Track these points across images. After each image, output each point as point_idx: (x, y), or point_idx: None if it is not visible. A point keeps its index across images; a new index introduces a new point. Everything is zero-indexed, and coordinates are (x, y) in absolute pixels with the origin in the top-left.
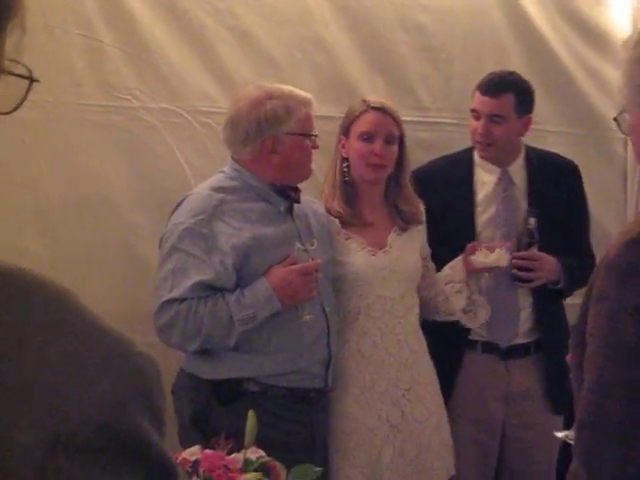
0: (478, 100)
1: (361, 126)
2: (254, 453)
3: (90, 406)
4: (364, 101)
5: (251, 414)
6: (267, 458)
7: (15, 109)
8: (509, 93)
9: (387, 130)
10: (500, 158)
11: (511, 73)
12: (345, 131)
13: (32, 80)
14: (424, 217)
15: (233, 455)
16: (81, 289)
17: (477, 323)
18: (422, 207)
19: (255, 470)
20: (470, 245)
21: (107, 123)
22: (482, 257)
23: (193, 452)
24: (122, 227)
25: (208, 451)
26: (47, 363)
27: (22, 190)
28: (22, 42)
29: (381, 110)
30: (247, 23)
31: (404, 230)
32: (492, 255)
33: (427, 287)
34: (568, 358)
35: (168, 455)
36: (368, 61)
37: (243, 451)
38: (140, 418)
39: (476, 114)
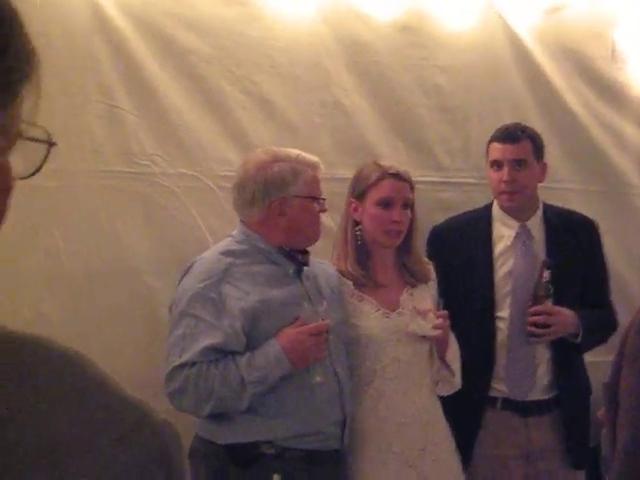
0: (498, 150)
1: (379, 193)
2: None
3: (109, 474)
4: (379, 166)
5: (276, 478)
6: None
7: (33, 174)
8: (526, 139)
9: (404, 196)
10: (522, 209)
11: (518, 123)
12: (359, 196)
13: (51, 144)
14: (433, 274)
15: None
16: (101, 355)
17: (452, 389)
18: (430, 265)
19: None
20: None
21: (127, 189)
22: (414, 325)
23: None
24: (143, 292)
25: None
26: (56, 433)
27: (41, 257)
28: (38, 106)
29: (398, 176)
30: (265, 89)
31: (414, 287)
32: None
33: None
34: (600, 415)
35: None
36: (386, 124)
37: None
38: None
39: (498, 164)
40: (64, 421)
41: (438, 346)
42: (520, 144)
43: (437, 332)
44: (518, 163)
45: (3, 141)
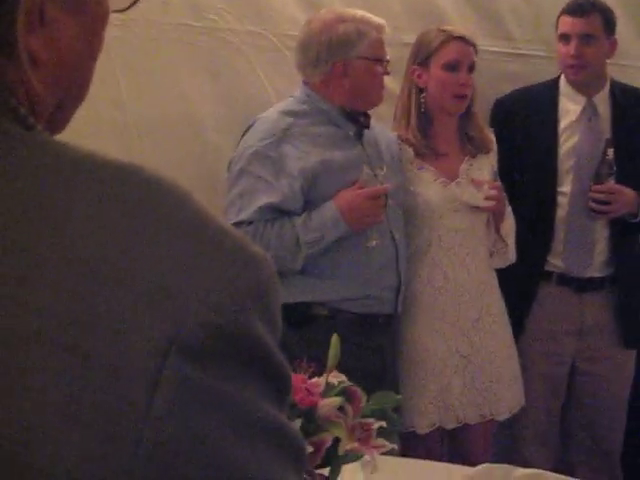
0: (567, 23)
1: (445, 56)
2: (336, 377)
3: (205, 308)
4: (442, 30)
5: (335, 339)
6: (348, 383)
7: (131, 6)
8: (596, 13)
9: (470, 60)
10: (589, 84)
11: None
12: (422, 61)
13: None
14: (495, 145)
15: (314, 379)
16: None
17: (505, 262)
18: (492, 135)
19: (336, 395)
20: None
21: (193, 43)
22: (467, 195)
23: None
24: (204, 149)
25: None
26: (155, 260)
27: (105, 107)
28: None
29: (463, 40)
30: None
31: (474, 157)
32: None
33: None
34: None
35: (285, 364)
36: None
37: (325, 375)
38: (257, 323)
39: (566, 37)
40: (164, 249)
41: (493, 218)
42: (590, 18)
43: (490, 203)
44: (586, 37)
45: None
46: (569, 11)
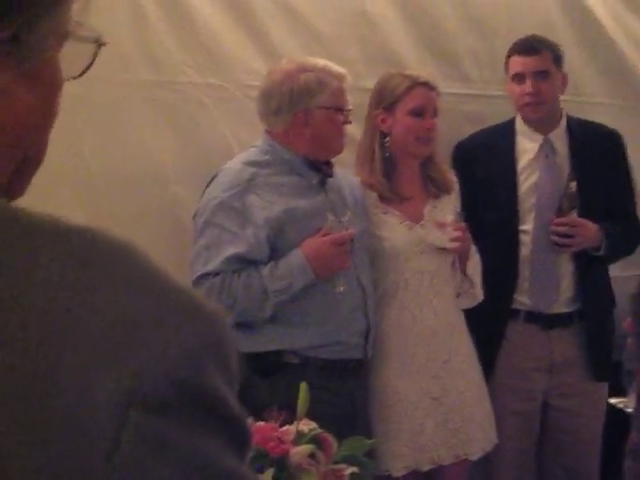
0: (520, 62)
1: (411, 102)
2: (306, 425)
3: (163, 362)
4: (406, 76)
5: (303, 387)
6: (319, 430)
7: (83, 73)
8: (546, 49)
9: (434, 104)
10: (545, 122)
11: (535, 34)
12: (387, 106)
13: (100, 44)
14: (456, 186)
15: (285, 427)
16: None
17: (473, 302)
18: (453, 176)
19: (307, 442)
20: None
21: (154, 98)
22: (432, 236)
23: None
24: (168, 201)
25: (261, 423)
26: (115, 318)
27: (69, 163)
28: (88, 7)
29: (427, 85)
30: None
31: (437, 199)
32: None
33: None
34: (626, 324)
35: (243, 415)
36: (414, 34)
37: (295, 423)
38: (214, 375)
39: (520, 77)
40: (123, 307)
41: (458, 258)
42: (541, 55)
43: (455, 244)
44: (541, 74)
45: (54, 40)
46: (520, 51)
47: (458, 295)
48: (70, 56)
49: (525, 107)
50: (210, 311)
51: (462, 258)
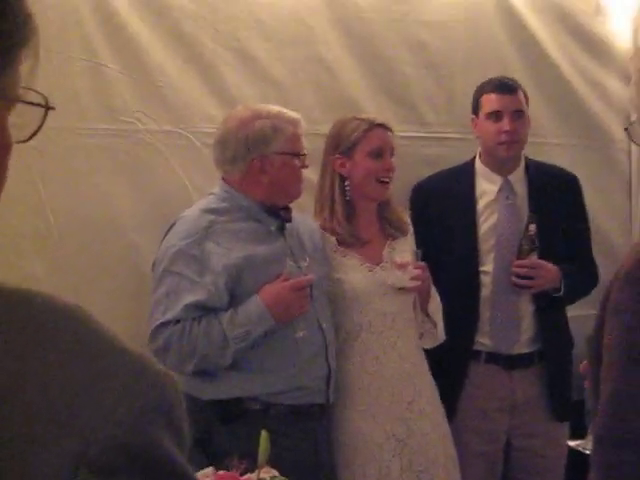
0: (497, 100)
1: (369, 144)
2: (267, 473)
3: (110, 425)
4: (361, 119)
5: (264, 434)
6: (281, 478)
7: (31, 137)
8: (519, 89)
9: (391, 145)
10: (505, 164)
11: (505, 76)
12: (345, 150)
13: (48, 108)
14: (410, 228)
15: (247, 476)
16: None
17: (435, 342)
18: (407, 218)
19: None
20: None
21: (111, 147)
22: (392, 277)
23: (207, 473)
24: (127, 249)
25: (222, 472)
26: (63, 383)
27: (24, 214)
28: (36, 70)
29: (383, 126)
30: (249, 44)
31: (395, 240)
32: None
33: None
34: (582, 368)
35: (191, 473)
36: (371, 79)
37: (257, 471)
38: (162, 436)
39: (497, 115)
40: (70, 372)
41: (419, 298)
42: (517, 95)
43: (415, 283)
44: (517, 114)
45: (1, 104)
46: (497, 89)
47: (421, 336)
48: (18, 120)
49: (499, 145)
50: (158, 372)
51: (423, 297)
